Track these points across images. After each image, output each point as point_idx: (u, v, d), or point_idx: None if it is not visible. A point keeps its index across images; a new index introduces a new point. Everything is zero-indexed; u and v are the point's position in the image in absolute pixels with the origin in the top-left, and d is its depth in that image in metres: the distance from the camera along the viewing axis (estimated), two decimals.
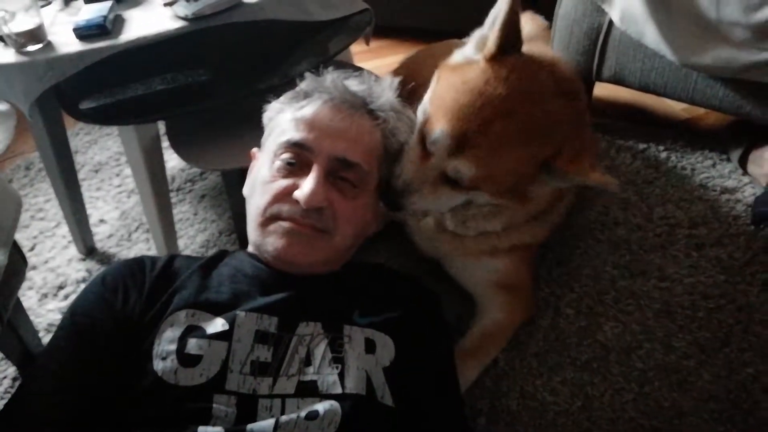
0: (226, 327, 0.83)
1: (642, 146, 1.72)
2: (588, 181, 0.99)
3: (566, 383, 1.15)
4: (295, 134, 0.96)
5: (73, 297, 1.41)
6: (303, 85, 1.04)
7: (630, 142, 1.74)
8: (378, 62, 2.17)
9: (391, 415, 0.84)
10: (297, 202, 0.91)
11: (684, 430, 1.09)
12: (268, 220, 0.94)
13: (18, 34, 1.10)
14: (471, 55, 1.05)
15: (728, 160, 1.66)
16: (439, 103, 1.01)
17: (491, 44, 0.99)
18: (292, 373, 0.82)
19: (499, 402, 1.13)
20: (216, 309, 0.87)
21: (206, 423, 0.74)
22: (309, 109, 0.98)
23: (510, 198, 1.06)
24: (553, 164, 0.99)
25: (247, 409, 0.77)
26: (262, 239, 0.95)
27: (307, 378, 0.82)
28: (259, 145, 1.09)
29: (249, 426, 0.74)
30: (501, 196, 1.05)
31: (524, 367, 1.18)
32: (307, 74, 1.06)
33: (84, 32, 1.14)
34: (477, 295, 1.26)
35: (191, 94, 1.21)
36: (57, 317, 1.36)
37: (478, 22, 1.78)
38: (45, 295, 1.42)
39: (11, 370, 1.25)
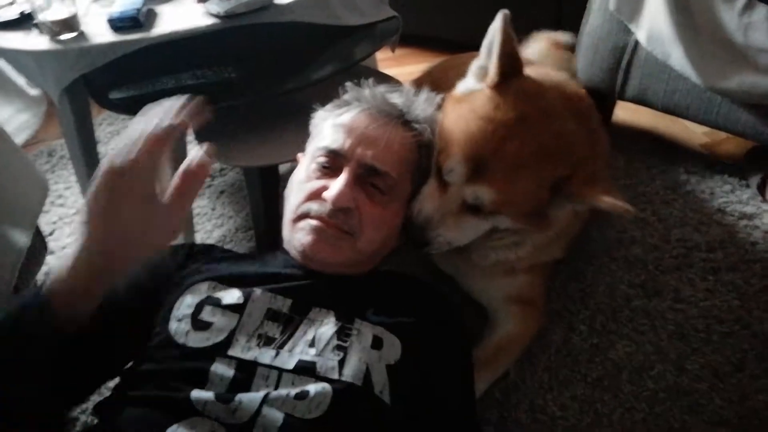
0: (241, 300, 0.88)
1: (661, 168, 1.72)
2: (600, 205, 0.98)
3: (576, 399, 1.15)
4: (331, 140, 1.00)
5: None
6: (345, 96, 1.09)
7: (649, 163, 1.74)
8: (400, 70, 2.17)
9: (384, 412, 0.84)
10: (326, 201, 0.94)
11: None
12: (299, 217, 0.98)
13: (53, 23, 1.13)
14: (473, 86, 1.06)
15: (747, 186, 1.66)
16: (450, 134, 1.02)
17: (492, 73, 1.01)
18: (296, 351, 0.84)
19: (508, 414, 1.13)
20: (236, 284, 0.91)
21: (202, 386, 0.77)
22: (347, 116, 1.03)
23: (531, 222, 1.06)
24: (567, 186, 0.99)
25: (245, 374, 0.79)
26: (292, 235, 0.99)
27: (308, 358, 0.83)
28: (283, 144, 1.11)
29: (238, 396, 0.75)
30: (523, 219, 1.05)
31: (535, 380, 1.18)
32: (349, 85, 1.10)
33: (117, 24, 1.16)
34: (491, 308, 1.26)
35: (219, 90, 1.23)
36: None
37: None
38: None
39: None
